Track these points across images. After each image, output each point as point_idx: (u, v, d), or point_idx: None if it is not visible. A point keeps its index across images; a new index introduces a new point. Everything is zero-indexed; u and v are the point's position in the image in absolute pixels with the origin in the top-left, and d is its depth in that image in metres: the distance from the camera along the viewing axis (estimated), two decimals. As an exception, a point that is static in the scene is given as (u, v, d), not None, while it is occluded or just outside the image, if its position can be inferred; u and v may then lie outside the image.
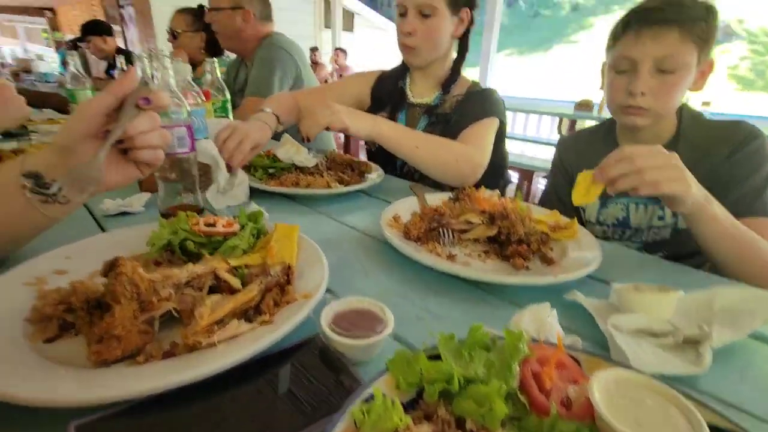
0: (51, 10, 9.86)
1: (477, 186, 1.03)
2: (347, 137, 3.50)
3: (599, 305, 0.51)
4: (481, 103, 1.11)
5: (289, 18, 7.23)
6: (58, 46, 7.21)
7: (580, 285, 0.55)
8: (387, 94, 1.28)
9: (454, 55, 1.20)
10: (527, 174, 3.63)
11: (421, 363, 0.31)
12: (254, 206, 0.71)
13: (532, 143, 5.59)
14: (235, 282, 0.45)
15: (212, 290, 0.45)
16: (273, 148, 1.01)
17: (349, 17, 9.02)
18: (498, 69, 6.21)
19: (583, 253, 0.63)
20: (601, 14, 20.21)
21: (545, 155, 5.49)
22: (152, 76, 0.65)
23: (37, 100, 1.77)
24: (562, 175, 1.09)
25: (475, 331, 0.35)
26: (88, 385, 0.32)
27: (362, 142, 1.63)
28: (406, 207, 0.79)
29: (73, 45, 4.71)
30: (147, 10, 5.79)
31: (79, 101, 1.24)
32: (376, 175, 0.99)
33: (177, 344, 0.37)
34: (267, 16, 1.74)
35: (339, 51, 6.91)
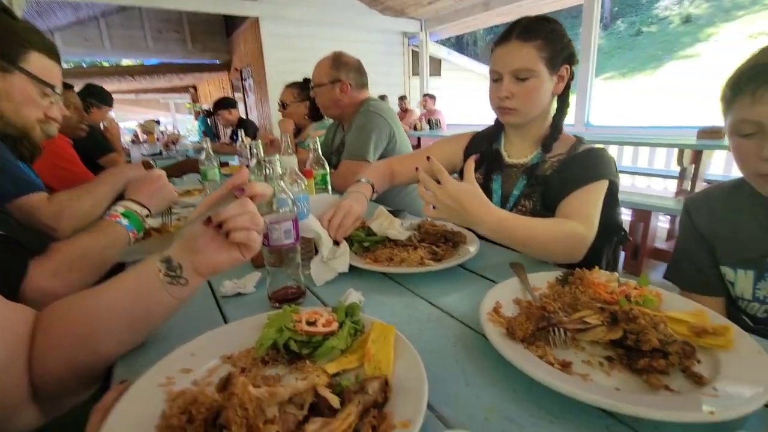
0: (194, 87, 12.14)
1: (588, 249, 0.93)
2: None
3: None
4: (585, 167, 1.01)
5: (381, 70, 7.78)
6: (197, 114, 8.75)
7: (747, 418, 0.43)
8: (481, 155, 1.25)
9: (553, 110, 1.13)
10: (643, 214, 3.19)
11: None
12: (353, 295, 0.73)
13: (644, 176, 4.97)
14: (335, 401, 0.45)
15: (311, 406, 0.45)
16: (368, 221, 1.04)
17: (436, 63, 9.36)
18: (597, 96, 5.78)
19: (746, 370, 0.50)
20: (721, 23, 17.75)
21: (660, 188, 4.81)
22: (265, 177, 0.73)
23: (176, 171, 2.13)
24: (697, 241, 0.92)
25: None
26: None
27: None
28: (507, 291, 0.73)
29: (208, 114, 5.68)
30: (263, 81, 6.77)
31: (209, 178, 1.45)
32: (472, 247, 0.95)
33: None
34: (362, 84, 1.89)
35: (427, 97, 7.14)
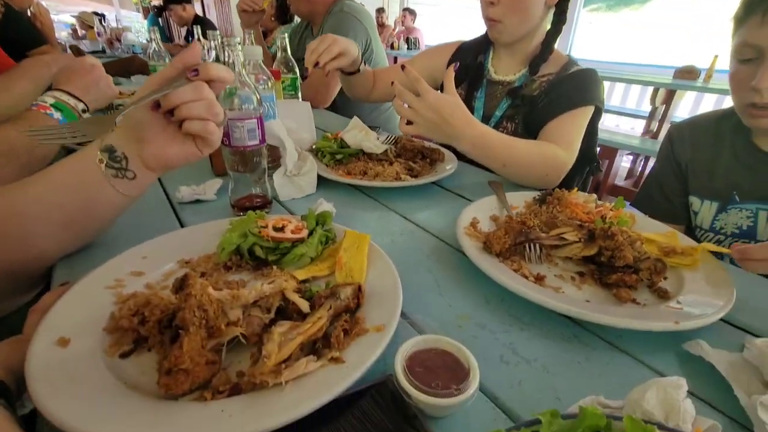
0: (138, -24, 10.46)
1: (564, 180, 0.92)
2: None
3: (734, 364, 0.41)
4: (575, 89, 0.95)
5: (358, -23, 6.98)
6: (146, 12, 7.66)
7: (702, 330, 0.45)
8: (465, 68, 1.16)
9: (548, 26, 1.03)
10: (609, 151, 3.25)
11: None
12: (324, 204, 0.68)
13: (614, 114, 5.01)
14: (304, 305, 0.42)
15: (278, 310, 0.42)
16: (341, 132, 0.96)
17: (419, -27, 8.48)
18: (582, 28, 5.56)
19: (708, 287, 0.52)
20: (716, -42, 17.00)
21: (627, 128, 4.90)
22: (224, 62, 0.62)
23: (121, 69, 1.87)
24: (672, 170, 0.93)
25: (589, 415, 0.28)
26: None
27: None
28: (484, 208, 0.71)
29: (158, 12, 4.97)
30: (221, -26, 5.90)
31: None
32: (449, 165, 0.90)
33: (243, 378, 0.35)
34: None
35: (406, 12, 6.57)
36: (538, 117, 0.96)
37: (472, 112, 1.11)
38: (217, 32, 1.05)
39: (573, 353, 0.44)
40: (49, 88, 0.87)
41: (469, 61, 1.15)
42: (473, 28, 1.15)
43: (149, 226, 0.63)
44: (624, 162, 3.68)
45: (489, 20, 0.99)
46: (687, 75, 3.40)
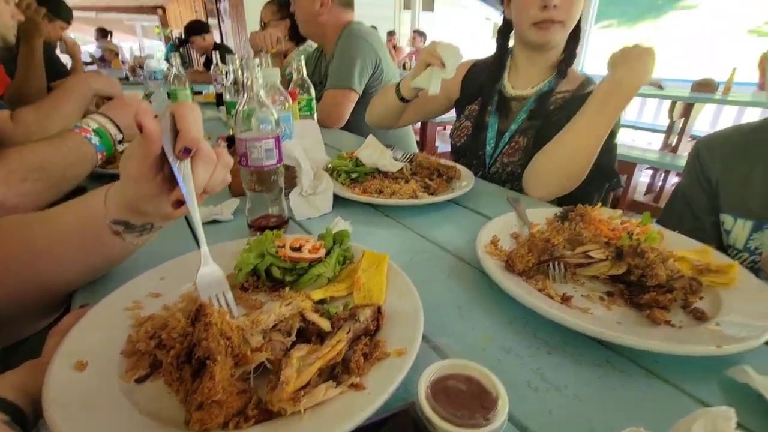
0: (162, 8, 10.99)
1: (580, 191, 0.90)
2: (423, 131, 3.39)
3: (784, 392, 0.37)
4: None
5: (371, 1, 7.19)
6: (167, 40, 8.01)
7: (747, 354, 0.42)
8: (479, 85, 1.16)
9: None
10: (627, 166, 3.20)
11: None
12: (341, 223, 0.67)
13: (630, 128, 4.94)
14: (325, 324, 0.41)
15: (298, 332, 0.41)
16: (356, 151, 0.96)
17: (429, -4, 8.70)
18: (594, 44, 5.56)
19: (749, 305, 0.49)
20: (728, -28, 16.95)
21: (644, 142, 4.82)
22: (243, 86, 0.63)
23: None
24: (702, 187, 0.89)
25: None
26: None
27: (446, 136, 1.50)
28: (504, 225, 0.69)
29: (180, 43, 5.20)
30: (240, 3, 6.15)
31: (179, 99, 1.31)
32: (465, 182, 0.89)
33: (265, 407, 0.34)
34: (347, 3, 1.70)
35: (416, 34, 6.70)
36: (552, 133, 0.94)
37: (486, 128, 1.11)
38: (235, 56, 1.08)
39: (606, 380, 0.42)
40: (89, 111, 0.90)
41: (482, 79, 1.16)
42: (482, 45, 1.15)
43: (168, 248, 0.63)
44: (643, 177, 3.61)
45: (548, 23, 0.95)
46: (705, 88, 3.36)
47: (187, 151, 0.41)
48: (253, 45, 1.74)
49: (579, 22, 0.99)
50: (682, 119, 3.48)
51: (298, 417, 0.32)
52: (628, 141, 5.00)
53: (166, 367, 0.37)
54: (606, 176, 1.05)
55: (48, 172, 0.74)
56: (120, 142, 0.88)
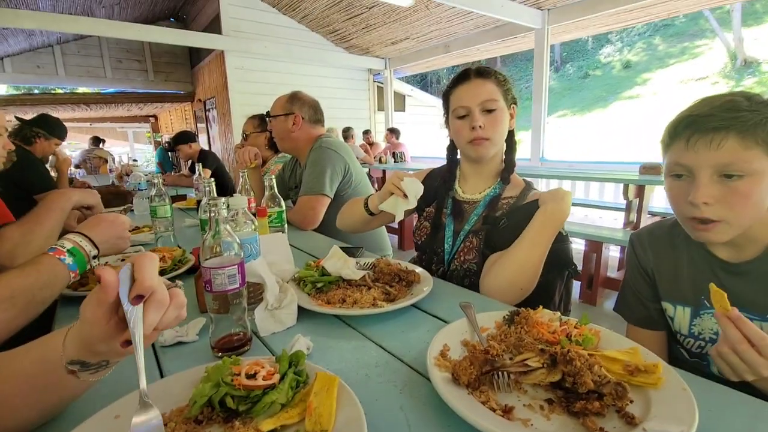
0: (154, 116, 11.85)
1: (542, 281, 0.97)
2: (401, 231, 3.54)
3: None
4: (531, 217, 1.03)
5: (348, 105, 7.99)
6: (157, 144, 8.50)
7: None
8: (434, 190, 1.29)
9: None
10: (595, 245, 3.36)
11: None
12: (301, 341, 0.70)
13: (596, 208, 5.26)
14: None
15: (244, 471, 0.43)
16: (321, 261, 1.03)
17: (400, 99, 9.70)
18: (552, 132, 6.15)
19: (671, 407, 0.52)
20: (656, 69, 19.73)
21: (611, 220, 5.12)
22: (214, 220, 0.70)
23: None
24: (642, 277, 0.97)
25: None
26: None
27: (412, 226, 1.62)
28: (455, 332, 0.73)
29: (169, 148, 5.56)
30: (228, 113, 6.74)
31: (159, 215, 1.39)
32: (426, 286, 0.95)
33: None
34: (316, 120, 1.93)
35: (389, 132, 7.35)
36: (499, 237, 1.05)
37: (443, 228, 1.21)
38: (213, 180, 1.19)
39: (544, 499, 0.43)
40: (66, 231, 0.96)
41: (437, 184, 1.29)
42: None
43: (128, 375, 0.64)
44: (613, 252, 3.77)
45: (478, 140, 1.11)
46: (651, 171, 3.70)
47: (138, 298, 0.46)
48: (237, 160, 1.96)
49: (512, 136, 1.18)
50: (637, 198, 3.76)
51: None
52: (596, 219, 5.30)
53: None
54: (563, 264, 1.14)
55: (18, 299, 0.76)
56: (95, 257, 0.92)
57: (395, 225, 4.46)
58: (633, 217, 3.86)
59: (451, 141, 1.26)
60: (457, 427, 0.53)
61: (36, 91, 9.94)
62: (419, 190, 1.10)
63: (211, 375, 0.58)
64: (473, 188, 1.23)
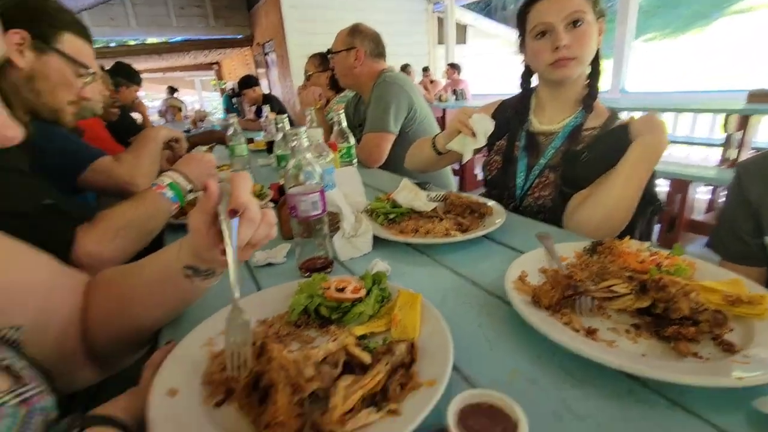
0: (218, 63, 12.21)
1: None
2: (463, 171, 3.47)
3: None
4: (615, 150, 0.93)
5: (405, 41, 7.57)
6: (222, 92, 8.85)
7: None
8: (506, 121, 1.22)
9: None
10: (681, 184, 3.03)
11: None
12: (380, 264, 0.74)
13: (684, 144, 4.67)
14: (366, 358, 0.47)
15: (344, 364, 0.48)
16: (392, 193, 1.05)
17: (461, 30, 8.97)
18: (636, 59, 5.41)
19: (781, 338, 0.49)
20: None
21: (699, 157, 4.54)
22: (297, 150, 0.74)
23: (204, 141, 2.21)
24: (743, 209, 0.88)
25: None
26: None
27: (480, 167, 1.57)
28: (533, 261, 0.73)
29: (233, 94, 5.76)
30: (285, 55, 6.72)
31: (236, 154, 1.48)
32: (497, 218, 0.94)
33: (318, 428, 0.41)
34: (378, 54, 1.86)
35: (450, 67, 6.90)
36: (580, 172, 0.98)
37: (515, 162, 1.16)
38: (286, 116, 1.23)
39: (629, 410, 0.44)
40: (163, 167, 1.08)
41: (509, 115, 1.22)
42: (514, 71, 1.21)
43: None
44: (700, 194, 3.39)
45: (562, 60, 1.00)
46: (760, 99, 3.15)
47: (233, 212, 0.50)
48: (301, 101, 1.97)
49: (597, 57, 1.04)
50: (741, 132, 3.27)
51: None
52: (682, 157, 4.74)
53: (238, 394, 0.45)
54: (648, 201, 1.05)
55: (132, 228, 0.88)
56: (190, 191, 1.03)
57: (456, 166, 4.35)
58: (732, 153, 3.39)
59: (526, 67, 1.16)
60: (537, 346, 0.55)
61: (113, 44, 10.60)
62: (489, 126, 1.04)
63: (304, 288, 0.64)
64: (551, 118, 1.14)
